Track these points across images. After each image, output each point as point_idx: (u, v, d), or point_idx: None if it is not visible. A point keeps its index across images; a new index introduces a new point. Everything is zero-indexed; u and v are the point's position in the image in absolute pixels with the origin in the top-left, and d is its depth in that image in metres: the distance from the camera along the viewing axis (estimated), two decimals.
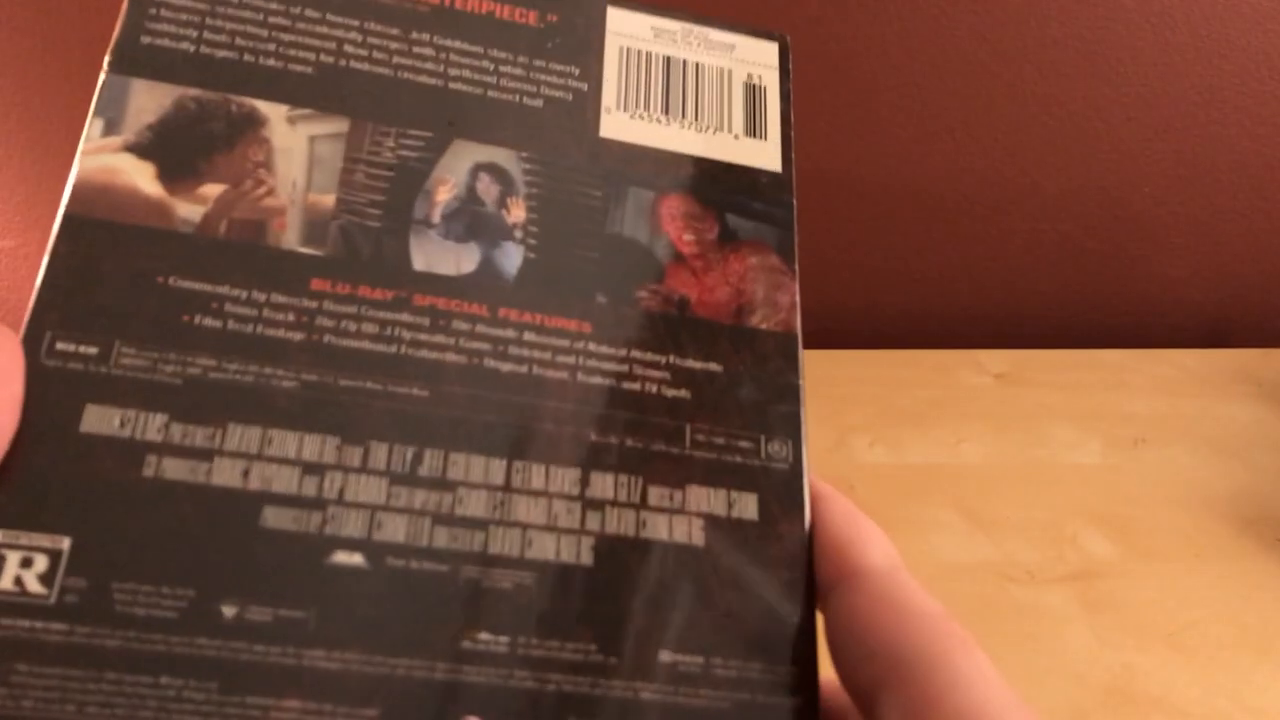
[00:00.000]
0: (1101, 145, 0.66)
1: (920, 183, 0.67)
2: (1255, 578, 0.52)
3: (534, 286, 0.21)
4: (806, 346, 0.70)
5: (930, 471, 0.57)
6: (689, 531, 0.20)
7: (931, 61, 0.62)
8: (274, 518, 0.18)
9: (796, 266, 0.24)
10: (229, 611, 0.18)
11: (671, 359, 0.22)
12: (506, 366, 0.21)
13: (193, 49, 0.21)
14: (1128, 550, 0.54)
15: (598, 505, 0.20)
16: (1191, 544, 0.54)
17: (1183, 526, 0.55)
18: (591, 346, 0.21)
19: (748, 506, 0.21)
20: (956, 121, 0.64)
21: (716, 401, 0.22)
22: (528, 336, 0.21)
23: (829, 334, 0.73)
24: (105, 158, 0.20)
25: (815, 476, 0.22)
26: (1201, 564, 0.53)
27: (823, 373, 0.64)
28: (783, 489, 0.21)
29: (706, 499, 0.21)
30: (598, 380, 0.21)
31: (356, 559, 0.18)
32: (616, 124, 0.23)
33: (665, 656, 0.19)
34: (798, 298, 0.23)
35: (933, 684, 0.17)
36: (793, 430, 0.22)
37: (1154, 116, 0.65)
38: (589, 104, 0.23)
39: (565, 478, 0.20)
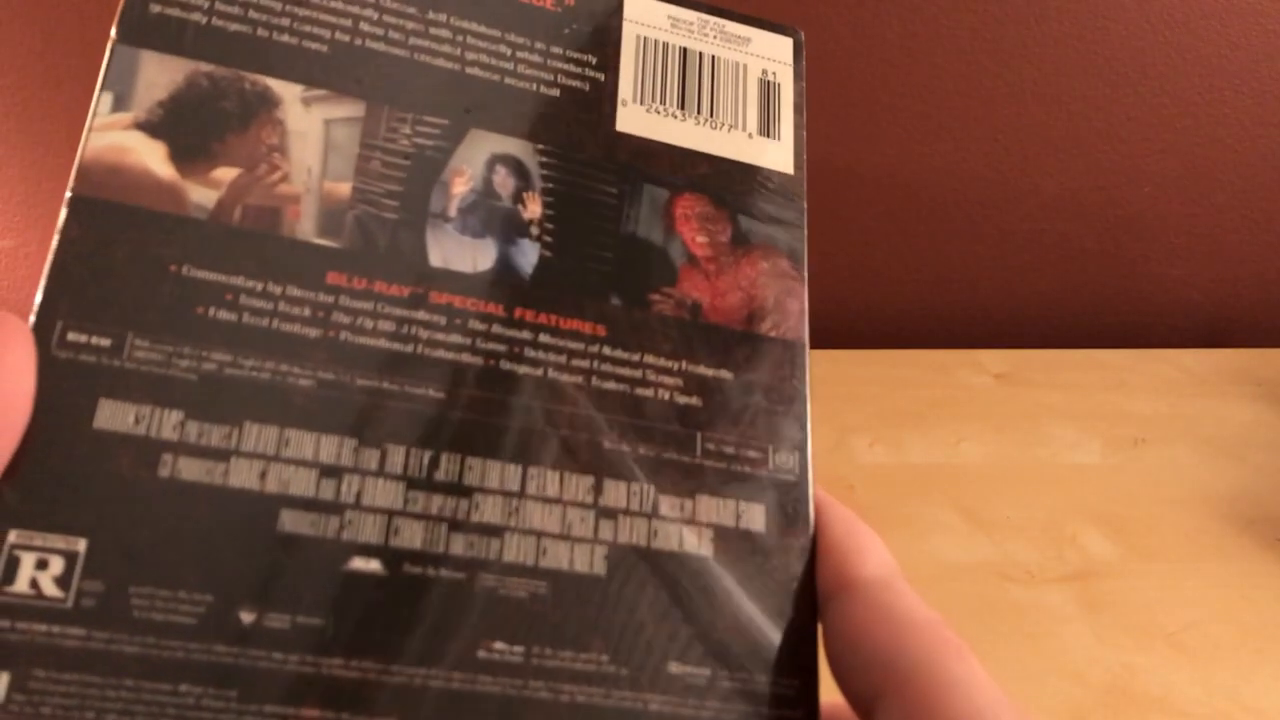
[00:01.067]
0: (1101, 145, 0.66)
1: (920, 183, 0.67)
2: (1255, 578, 0.52)
3: (549, 286, 0.21)
4: None
5: (930, 471, 0.57)
6: (698, 542, 0.20)
7: (931, 61, 0.62)
8: (292, 521, 0.18)
9: (806, 272, 0.23)
10: (247, 618, 0.17)
11: (684, 365, 0.21)
12: (522, 369, 0.20)
13: (204, 20, 0.20)
14: (1128, 550, 0.54)
15: (610, 514, 0.20)
16: (1191, 544, 0.54)
17: (1183, 526, 0.55)
18: (606, 350, 0.21)
19: (755, 518, 0.21)
20: (956, 121, 0.64)
21: (727, 410, 0.21)
22: (543, 338, 0.21)
23: (829, 334, 0.73)
24: (115, 135, 0.19)
25: (816, 484, 0.22)
26: (1201, 564, 0.53)
27: (823, 373, 0.64)
28: (789, 501, 0.21)
29: (716, 509, 0.21)
30: (611, 385, 0.21)
31: (374, 565, 0.18)
32: (633, 118, 0.23)
33: (674, 668, 0.19)
34: (806, 304, 0.23)
35: (928, 691, 0.17)
36: (799, 441, 0.22)
37: (1154, 116, 0.65)
38: (606, 95, 0.23)
39: (579, 485, 0.20)
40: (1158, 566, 0.53)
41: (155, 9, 0.20)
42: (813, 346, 0.71)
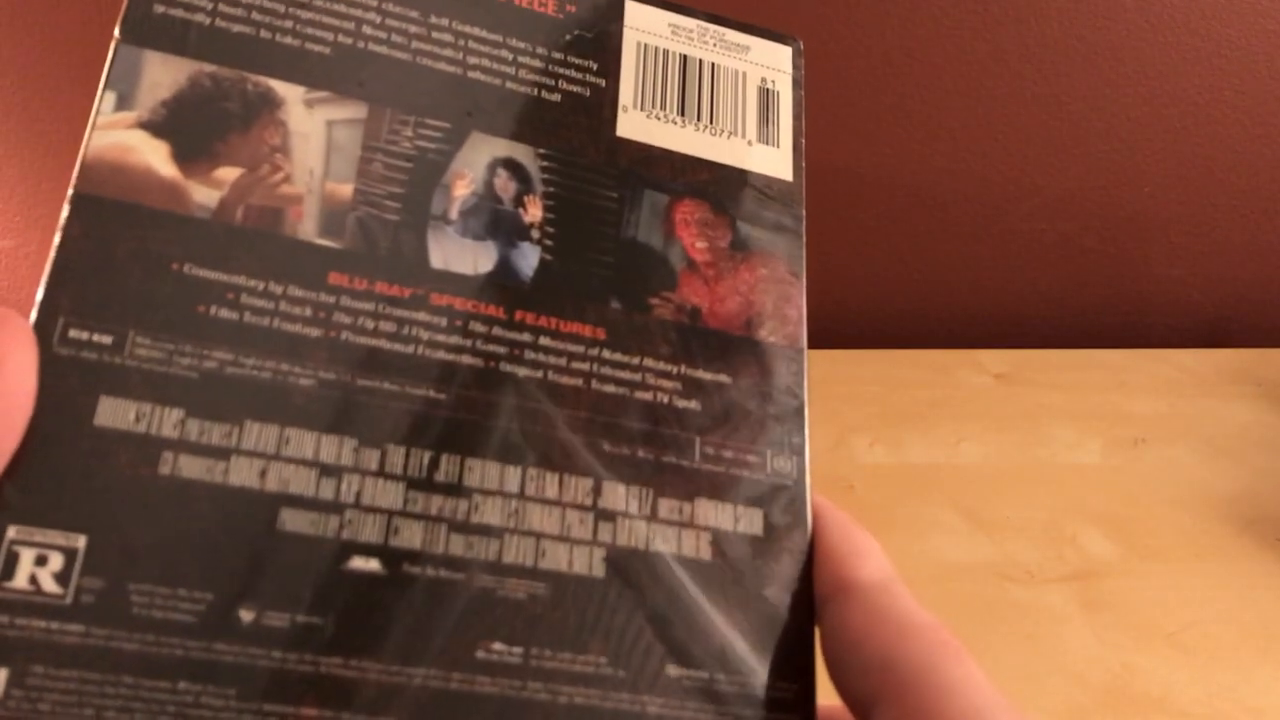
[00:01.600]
0: (1101, 145, 0.66)
1: (920, 183, 0.67)
2: (1255, 578, 0.52)
3: (550, 289, 0.21)
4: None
5: (930, 471, 0.57)
6: (696, 546, 0.20)
7: (931, 61, 0.62)
8: (291, 520, 0.18)
9: (804, 278, 0.24)
10: (247, 616, 0.17)
11: (683, 369, 0.22)
12: (522, 371, 0.20)
13: (207, 21, 0.21)
14: (1128, 550, 0.54)
15: (610, 516, 0.20)
16: (1191, 544, 0.54)
17: (1183, 526, 0.55)
18: (606, 354, 0.21)
19: (753, 522, 0.21)
20: (956, 121, 0.64)
21: (725, 415, 0.22)
22: (543, 341, 0.21)
23: (829, 334, 0.73)
24: (118, 134, 0.19)
25: (813, 489, 0.23)
26: (1201, 564, 0.53)
27: (823, 373, 0.64)
28: (786, 505, 0.21)
29: (714, 513, 0.21)
30: (611, 389, 0.21)
31: (373, 565, 0.18)
32: (633, 123, 0.23)
33: (672, 671, 0.19)
34: (804, 310, 0.23)
35: (926, 693, 0.17)
36: (797, 446, 0.22)
37: (1154, 116, 0.65)
38: (606, 101, 0.23)
39: (578, 487, 0.20)
40: (1158, 566, 0.53)
41: (159, 9, 0.20)
42: (813, 346, 0.72)
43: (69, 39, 0.59)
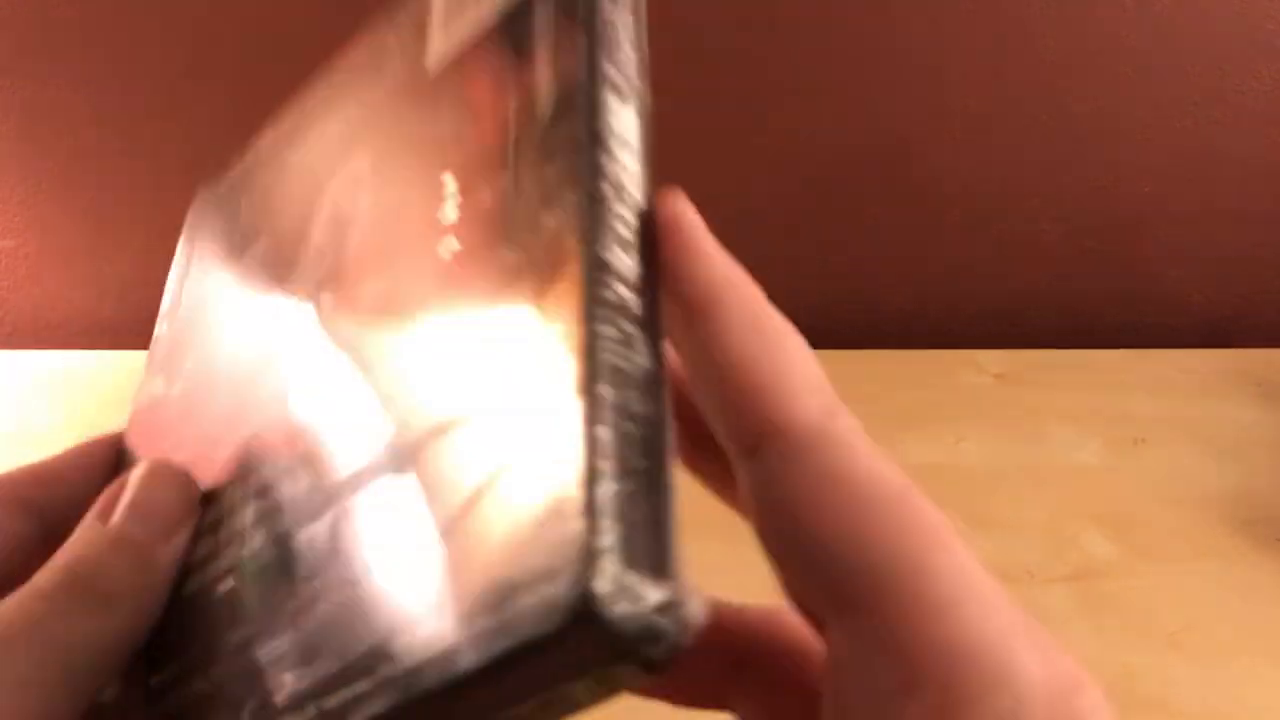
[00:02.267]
0: (1101, 145, 0.66)
1: (920, 182, 0.67)
2: (1255, 578, 0.52)
3: None
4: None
5: (930, 471, 0.57)
6: None
7: (932, 61, 0.62)
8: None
9: None
10: None
11: None
12: None
13: None
14: (1128, 550, 0.54)
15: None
16: (1191, 544, 0.54)
17: (1183, 526, 0.55)
18: None
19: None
20: (956, 121, 0.64)
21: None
22: None
23: (828, 334, 0.73)
24: None
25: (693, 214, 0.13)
26: (1201, 564, 0.53)
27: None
28: None
29: None
30: None
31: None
32: None
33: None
34: None
35: (901, 607, 0.12)
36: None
37: (1154, 116, 0.65)
38: None
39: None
40: (1158, 566, 0.53)
41: None
42: (813, 346, 0.71)
43: (68, 40, 0.59)
